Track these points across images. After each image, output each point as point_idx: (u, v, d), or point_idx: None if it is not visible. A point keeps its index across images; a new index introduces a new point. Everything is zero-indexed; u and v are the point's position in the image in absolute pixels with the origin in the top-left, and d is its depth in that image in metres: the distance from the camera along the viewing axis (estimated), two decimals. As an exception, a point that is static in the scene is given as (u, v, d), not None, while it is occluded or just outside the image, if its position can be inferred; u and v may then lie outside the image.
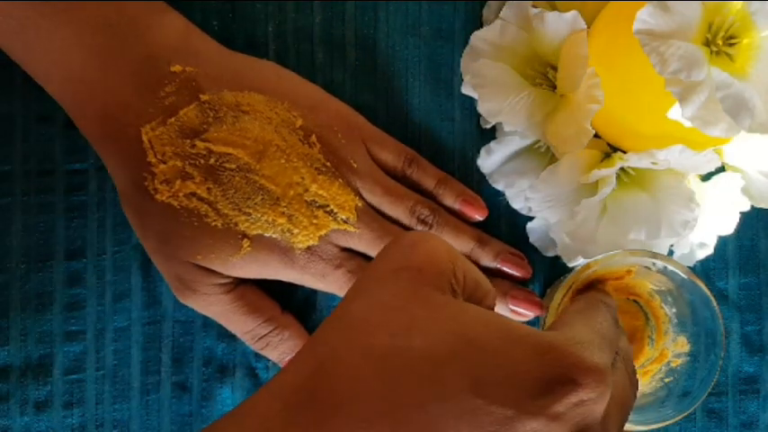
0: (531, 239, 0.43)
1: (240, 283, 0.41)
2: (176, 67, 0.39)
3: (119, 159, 0.40)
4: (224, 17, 0.44)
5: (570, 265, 0.41)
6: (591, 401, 0.26)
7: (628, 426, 0.36)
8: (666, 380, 0.39)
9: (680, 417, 0.36)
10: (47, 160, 0.43)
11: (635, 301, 0.42)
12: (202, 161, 0.39)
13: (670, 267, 0.37)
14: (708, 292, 0.37)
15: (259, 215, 0.39)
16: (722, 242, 0.42)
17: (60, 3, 0.38)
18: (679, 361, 0.39)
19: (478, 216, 0.43)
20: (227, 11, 0.44)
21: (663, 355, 0.40)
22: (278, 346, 0.42)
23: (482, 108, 0.40)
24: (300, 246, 0.40)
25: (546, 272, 0.44)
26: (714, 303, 0.37)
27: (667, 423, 0.36)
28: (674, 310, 0.40)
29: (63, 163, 0.43)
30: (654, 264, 0.37)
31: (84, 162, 0.43)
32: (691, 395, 0.37)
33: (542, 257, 0.44)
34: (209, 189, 0.39)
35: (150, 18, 0.39)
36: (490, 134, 0.43)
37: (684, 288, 0.38)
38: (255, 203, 0.39)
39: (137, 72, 0.39)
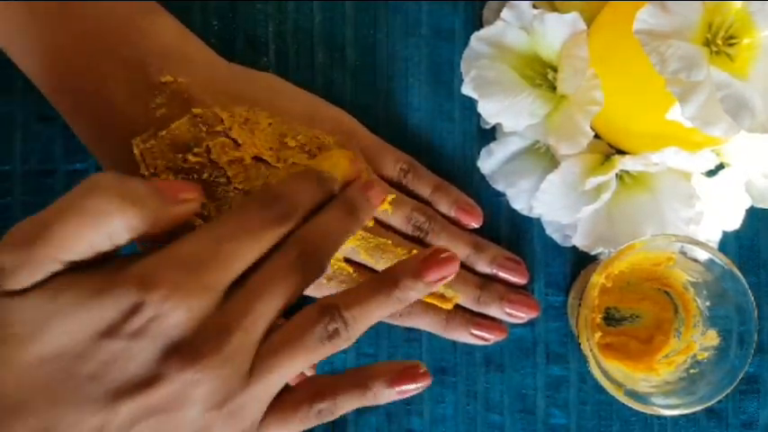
0: (547, 231, 0.43)
1: None
2: (168, 78, 0.38)
3: (113, 167, 0.39)
4: (224, 17, 0.44)
5: (592, 253, 0.41)
6: (163, 316, 0.29)
7: (654, 409, 0.37)
8: (692, 371, 0.39)
9: (701, 407, 0.37)
10: (47, 160, 0.43)
11: (666, 292, 0.42)
12: (195, 176, 0.38)
13: (713, 257, 0.37)
14: (747, 288, 0.37)
15: None
16: (722, 242, 0.42)
17: (52, 4, 0.38)
18: (706, 354, 0.39)
19: (474, 223, 0.43)
20: (227, 11, 0.44)
21: (689, 348, 0.40)
22: None
23: (482, 108, 0.40)
24: None
25: (546, 271, 0.44)
26: (752, 301, 0.37)
27: (687, 412, 0.37)
28: (707, 303, 0.40)
29: (63, 163, 0.43)
30: (696, 252, 0.37)
31: (84, 162, 0.43)
32: (715, 387, 0.37)
33: (542, 258, 0.44)
34: (202, 204, 0.38)
35: (144, 23, 0.39)
36: (490, 134, 0.43)
37: (724, 281, 0.38)
38: None
39: (129, 79, 0.38)
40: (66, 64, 0.38)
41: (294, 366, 0.32)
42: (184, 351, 0.29)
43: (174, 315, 0.29)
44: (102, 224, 0.29)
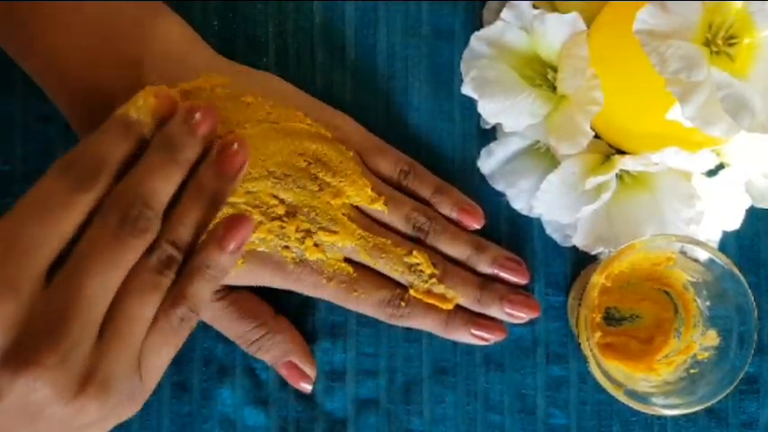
0: (548, 231, 0.43)
1: (233, 288, 0.41)
2: (171, 81, 0.38)
3: None
4: (224, 17, 0.44)
5: (593, 253, 0.41)
6: None
7: (654, 409, 0.37)
8: (692, 371, 0.39)
9: (701, 407, 0.37)
10: (47, 160, 0.43)
11: (666, 292, 0.42)
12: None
13: (713, 257, 0.37)
14: (747, 288, 0.37)
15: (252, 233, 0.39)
16: (722, 242, 0.42)
17: (57, 3, 0.38)
18: (706, 354, 0.39)
19: (476, 224, 0.43)
20: (227, 11, 0.44)
21: (689, 348, 0.40)
22: (270, 350, 0.42)
23: (482, 108, 0.40)
24: (293, 259, 0.40)
25: (546, 271, 0.44)
26: (752, 301, 0.37)
27: (687, 412, 0.37)
28: (707, 303, 0.40)
29: (63, 163, 0.43)
30: (696, 251, 0.37)
31: (84, 162, 0.43)
32: (715, 388, 0.37)
33: (542, 258, 0.44)
34: None
35: (148, 23, 0.39)
36: (490, 135, 0.43)
37: (724, 281, 0.38)
38: None
39: (124, 78, 0.38)
40: (67, 61, 0.38)
41: (144, 306, 0.30)
42: (10, 360, 0.28)
43: None
44: None
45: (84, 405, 0.29)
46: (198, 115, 0.33)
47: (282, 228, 0.39)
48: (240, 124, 0.39)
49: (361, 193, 0.40)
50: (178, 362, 0.43)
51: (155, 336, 0.31)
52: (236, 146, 0.33)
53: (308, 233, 0.40)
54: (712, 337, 0.39)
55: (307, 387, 0.42)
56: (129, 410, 0.31)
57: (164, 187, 0.32)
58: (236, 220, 0.33)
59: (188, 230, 0.32)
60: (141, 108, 0.33)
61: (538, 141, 0.42)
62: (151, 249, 0.31)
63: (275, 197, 0.39)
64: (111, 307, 0.30)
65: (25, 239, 0.29)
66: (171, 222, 0.32)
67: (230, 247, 0.32)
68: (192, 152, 0.33)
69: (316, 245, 0.40)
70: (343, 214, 0.40)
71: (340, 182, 0.40)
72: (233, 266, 0.33)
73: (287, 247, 0.39)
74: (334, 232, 0.40)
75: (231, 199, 0.38)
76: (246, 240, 0.33)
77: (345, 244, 0.40)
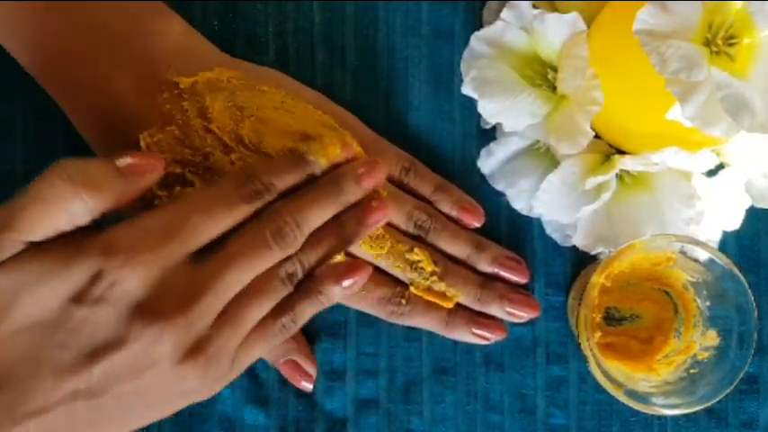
0: (548, 231, 0.43)
1: None
2: (175, 76, 0.39)
3: None
4: (224, 17, 0.44)
5: (593, 253, 0.41)
6: (122, 281, 0.31)
7: (654, 409, 0.37)
8: (692, 371, 0.39)
9: (701, 407, 0.37)
10: (47, 160, 0.43)
11: (666, 292, 0.42)
12: (201, 169, 0.38)
13: (713, 257, 0.37)
14: (747, 288, 0.37)
15: None
16: (722, 242, 0.42)
17: (60, 3, 0.38)
18: (706, 354, 0.39)
19: (476, 223, 0.43)
20: (227, 11, 0.44)
21: (689, 348, 0.40)
22: (272, 350, 0.42)
23: (482, 108, 0.40)
24: None
25: (546, 271, 0.44)
26: (752, 301, 0.37)
27: (687, 411, 0.37)
28: (707, 303, 0.40)
29: (63, 163, 0.43)
30: (696, 251, 0.37)
31: (84, 162, 0.43)
32: (715, 388, 0.37)
33: (542, 258, 0.44)
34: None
35: (151, 21, 0.39)
36: (490, 134, 0.43)
37: (724, 281, 0.38)
38: None
39: (137, 77, 0.39)
40: (70, 60, 0.38)
41: (262, 305, 0.35)
42: (145, 312, 0.32)
43: (131, 279, 0.31)
44: (61, 209, 0.32)
45: (188, 371, 0.33)
46: (366, 177, 0.37)
47: None
48: (261, 109, 0.39)
49: None
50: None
51: (256, 333, 0.35)
52: (378, 203, 0.38)
53: None
54: (712, 337, 0.39)
55: (308, 386, 0.42)
56: (211, 391, 0.35)
57: (318, 218, 0.36)
58: (361, 266, 0.38)
59: (318, 257, 0.37)
60: (323, 149, 0.37)
61: (538, 141, 0.42)
62: (283, 261, 0.35)
63: None
64: (236, 297, 0.34)
65: (192, 223, 0.33)
66: (307, 245, 0.36)
67: (345, 284, 0.37)
68: (352, 198, 0.37)
69: None
70: None
71: None
72: (339, 300, 0.38)
73: None
74: None
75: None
76: (360, 284, 0.38)
77: None
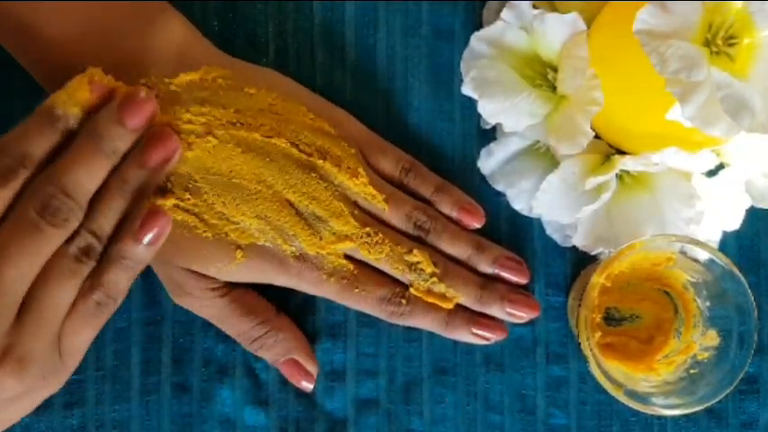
0: (548, 231, 0.43)
1: (235, 286, 0.41)
2: (170, 77, 0.39)
3: None
4: (224, 17, 0.44)
5: (593, 253, 0.41)
6: None
7: (654, 409, 0.37)
8: (692, 371, 0.39)
9: (701, 407, 0.37)
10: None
11: (666, 292, 0.42)
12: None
13: (713, 257, 0.37)
14: (747, 288, 0.37)
15: (248, 223, 0.39)
16: (722, 242, 0.42)
17: (63, 3, 0.38)
18: (706, 354, 0.39)
19: (476, 224, 0.43)
20: (227, 11, 0.44)
21: (689, 348, 0.40)
22: (272, 348, 0.42)
23: (482, 108, 0.40)
24: (293, 253, 0.40)
25: (546, 271, 0.44)
26: (752, 301, 0.37)
27: (687, 412, 0.37)
28: (707, 303, 0.40)
29: (63, 163, 0.43)
30: (696, 251, 0.37)
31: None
32: (715, 388, 0.37)
33: (542, 258, 0.44)
34: (190, 201, 0.38)
35: (152, 21, 0.39)
36: (490, 134, 0.43)
37: (724, 281, 0.38)
38: (243, 211, 0.39)
39: (137, 77, 0.38)
40: (71, 60, 0.38)
41: (62, 291, 0.32)
42: None
43: None
44: None
45: (2, 378, 0.31)
46: (129, 105, 0.33)
47: (282, 227, 0.39)
48: (241, 113, 0.39)
49: (362, 190, 0.40)
50: (178, 362, 0.43)
51: (73, 318, 0.33)
52: (162, 135, 0.34)
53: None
54: (712, 337, 0.39)
55: (308, 386, 0.42)
56: (50, 388, 0.33)
57: (88, 178, 0.32)
58: (154, 212, 0.34)
59: (109, 221, 0.33)
60: (71, 97, 0.32)
61: (538, 141, 0.42)
62: (71, 238, 0.32)
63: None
64: (30, 291, 0.31)
65: None
66: (93, 212, 0.32)
67: (145, 239, 0.33)
68: (121, 143, 0.33)
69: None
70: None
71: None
72: (150, 257, 0.34)
73: (287, 243, 0.39)
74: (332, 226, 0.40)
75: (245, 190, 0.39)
76: (165, 234, 0.34)
77: (346, 243, 0.40)
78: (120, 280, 0.34)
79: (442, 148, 0.44)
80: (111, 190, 0.33)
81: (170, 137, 0.34)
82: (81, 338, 0.34)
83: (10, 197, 0.31)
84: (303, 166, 0.40)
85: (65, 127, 0.33)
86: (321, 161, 0.40)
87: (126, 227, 0.34)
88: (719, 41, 0.36)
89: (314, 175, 0.40)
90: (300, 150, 0.40)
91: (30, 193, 0.31)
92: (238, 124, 0.39)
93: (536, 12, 0.39)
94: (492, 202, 0.43)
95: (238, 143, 0.39)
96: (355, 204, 0.41)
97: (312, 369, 0.42)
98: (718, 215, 0.41)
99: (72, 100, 0.32)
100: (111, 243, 0.33)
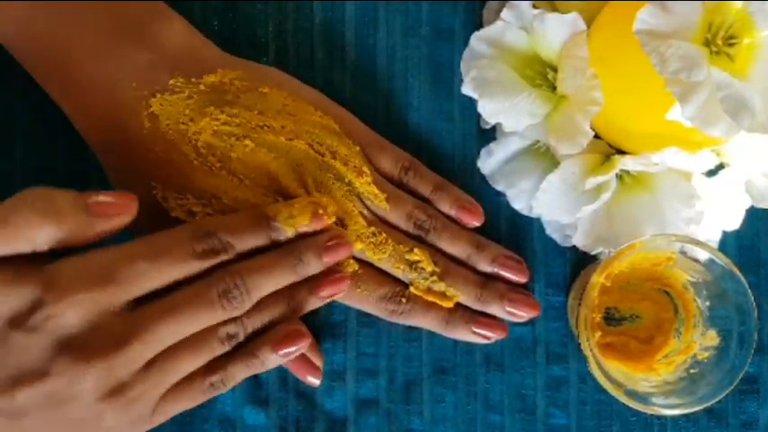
0: (548, 231, 0.43)
1: None
2: (177, 80, 0.39)
3: (116, 163, 0.40)
4: (224, 17, 0.44)
5: (593, 253, 0.41)
6: (57, 316, 0.32)
7: (654, 409, 0.37)
8: (692, 371, 0.39)
9: (701, 407, 0.37)
10: (47, 160, 0.43)
11: (666, 292, 0.42)
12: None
13: (713, 257, 0.37)
14: (747, 288, 0.37)
15: None
16: (722, 242, 0.42)
17: (65, 3, 0.38)
18: (706, 354, 0.39)
19: (475, 222, 0.43)
20: (227, 11, 0.44)
21: (689, 348, 0.40)
22: None
23: (482, 108, 0.40)
24: None
25: (546, 271, 0.44)
26: (752, 301, 0.37)
27: (687, 412, 0.37)
28: (707, 303, 0.40)
29: (63, 163, 0.43)
30: (696, 251, 0.37)
31: (84, 161, 0.43)
32: (715, 388, 0.37)
33: (542, 258, 0.44)
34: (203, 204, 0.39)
35: (154, 23, 0.39)
36: (490, 134, 0.43)
37: (724, 281, 0.38)
38: None
39: (137, 77, 0.39)
40: (71, 60, 0.38)
41: (192, 362, 0.35)
42: (73, 349, 0.32)
43: (67, 315, 0.32)
44: (22, 236, 0.33)
45: (107, 411, 0.33)
46: (335, 248, 0.38)
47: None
48: (264, 113, 0.39)
49: (366, 189, 0.41)
50: (178, 362, 0.43)
51: (183, 387, 0.36)
52: (337, 277, 0.38)
53: None
54: (712, 337, 0.39)
55: (315, 381, 0.42)
56: (130, 431, 0.35)
57: (271, 285, 0.37)
58: (300, 336, 0.38)
59: (263, 323, 0.37)
60: (292, 217, 0.37)
61: (538, 141, 0.42)
62: (226, 322, 0.36)
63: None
64: (171, 347, 0.35)
65: (136, 270, 0.34)
66: (254, 310, 0.36)
67: (281, 353, 0.37)
68: (311, 271, 0.38)
69: None
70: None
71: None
72: (274, 366, 0.38)
73: None
74: (346, 226, 0.40)
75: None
76: (298, 353, 0.38)
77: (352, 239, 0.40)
78: (240, 373, 0.37)
79: (441, 148, 0.44)
80: (278, 299, 0.37)
81: (345, 282, 0.39)
82: (177, 407, 0.36)
83: (203, 270, 0.35)
84: (320, 167, 0.40)
85: (275, 238, 0.37)
86: (333, 161, 0.40)
87: (271, 334, 0.37)
88: (719, 41, 0.36)
89: (329, 175, 0.40)
90: (315, 151, 0.40)
91: (219, 275, 0.35)
92: (265, 127, 0.39)
93: (536, 12, 0.39)
94: (492, 201, 0.43)
95: (270, 148, 0.39)
96: (362, 204, 0.41)
97: (318, 362, 0.42)
98: (718, 215, 0.41)
99: (292, 221, 0.37)
100: (250, 337, 0.37)
